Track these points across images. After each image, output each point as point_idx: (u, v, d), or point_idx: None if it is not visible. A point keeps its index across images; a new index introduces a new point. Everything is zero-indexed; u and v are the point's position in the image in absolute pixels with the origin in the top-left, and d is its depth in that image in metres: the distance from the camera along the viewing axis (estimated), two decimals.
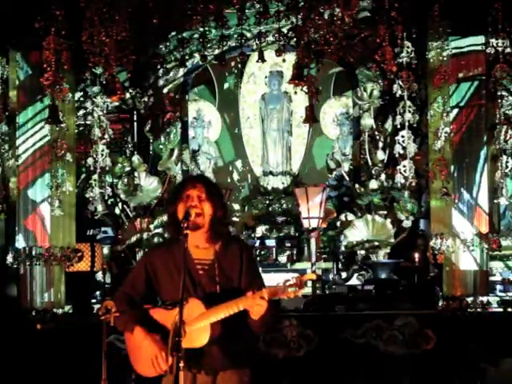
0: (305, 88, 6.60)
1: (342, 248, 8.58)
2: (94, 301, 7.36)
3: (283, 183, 9.20)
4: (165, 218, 8.48)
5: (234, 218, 8.95)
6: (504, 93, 6.98)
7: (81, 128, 8.10)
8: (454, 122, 7.02)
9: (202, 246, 3.35)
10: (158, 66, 8.73)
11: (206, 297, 3.21)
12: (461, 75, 7.04)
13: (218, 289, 3.27)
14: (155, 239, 8.30)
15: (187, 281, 3.24)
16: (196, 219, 3.28)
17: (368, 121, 8.75)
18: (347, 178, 8.97)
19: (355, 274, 8.14)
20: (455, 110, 7.04)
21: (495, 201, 7.17)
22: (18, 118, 7.26)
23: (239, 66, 9.43)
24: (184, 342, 3.06)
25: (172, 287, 3.26)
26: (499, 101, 6.99)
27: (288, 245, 8.83)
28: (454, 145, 7.02)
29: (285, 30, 7.24)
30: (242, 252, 3.38)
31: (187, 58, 8.71)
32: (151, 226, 8.37)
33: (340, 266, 8.32)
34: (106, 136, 7.99)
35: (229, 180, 9.57)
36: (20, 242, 7.08)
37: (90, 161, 7.91)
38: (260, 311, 3.15)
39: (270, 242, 8.78)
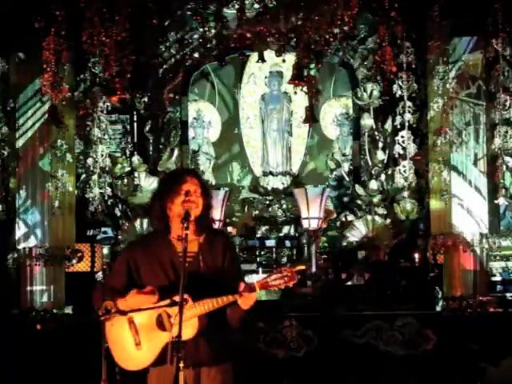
0: (305, 88, 6.61)
1: (342, 248, 8.58)
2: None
3: (283, 183, 9.20)
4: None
5: (234, 219, 8.95)
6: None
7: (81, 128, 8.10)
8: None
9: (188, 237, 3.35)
10: (158, 66, 8.73)
11: (190, 288, 3.18)
12: None
13: (203, 280, 3.29)
14: None
15: (171, 273, 3.30)
16: (191, 211, 3.32)
17: (368, 121, 8.75)
18: (347, 178, 8.97)
19: (355, 274, 8.14)
20: None
21: (495, 201, 7.17)
22: (17, 118, 7.26)
23: (239, 66, 9.43)
24: (170, 336, 3.10)
25: (153, 279, 3.30)
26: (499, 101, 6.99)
27: (288, 245, 8.83)
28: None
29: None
30: (225, 245, 3.43)
31: (187, 57, 8.72)
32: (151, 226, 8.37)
33: (340, 265, 8.32)
34: (106, 136, 7.98)
35: (229, 180, 9.57)
36: (20, 242, 7.08)
37: (89, 161, 7.91)
38: (250, 304, 3.21)
39: (270, 242, 8.79)
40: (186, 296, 3.14)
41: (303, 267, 3.29)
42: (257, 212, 9.06)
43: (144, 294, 3.22)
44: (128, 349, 3.25)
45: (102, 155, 7.89)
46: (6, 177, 7.33)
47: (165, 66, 8.78)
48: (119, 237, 8.42)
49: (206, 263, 3.35)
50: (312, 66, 6.63)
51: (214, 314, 3.21)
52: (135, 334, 3.24)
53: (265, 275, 3.28)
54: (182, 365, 3.02)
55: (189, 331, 3.16)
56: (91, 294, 3.44)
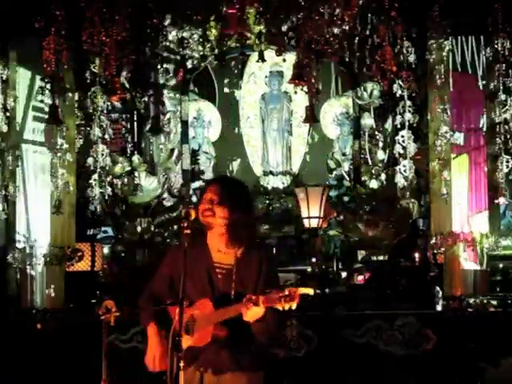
0: (305, 88, 6.61)
1: (342, 248, 8.58)
2: (94, 301, 7.36)
3: (283, 183, 9.19)
4: (164, 217, 8.53)
5: None
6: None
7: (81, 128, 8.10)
8: None
9: (223, 250, 3.36)
10: (158, 66, 8.73)
11: (220, 300, 3.22)
12: None
13: (233, 294, 3.27)
14: (155, 239, 8.31)
15: (206, 283, 3.29)
16: (207, 218, 3.30)
17: (368, 121, 8.74)
18: (347, 178, 8.97)
19: (355, 274, 8.14)
20: None
21: (495, 201, 7.17)
22: (17, 118, 7.26)
23: (239, 65, 9.43)
24: (192, 340, 3.16)
25: (190, 287, 3.24)
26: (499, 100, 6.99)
27: (288, 245, 8.82)
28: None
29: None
30: (261, 261, 3.35)
31: (187, 57, 8.72)
32: (151, 226, 8.38)
33: (340, 265, 8.32)
34: (106, 136, 7.99)
35: None
36: (20, 242, 7.08)
37: (90, 161, 7.91)
38: (253, 316, 3.13)
39: (270, 242, 8.78)
40: (208, 302, 3.19)
41: (310, 291, 3.21)
42: (257, 211, 9.05)
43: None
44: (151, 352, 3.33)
45: (102, 155, 7.90)
46: (6, 176, 7.33)
47: (165, 66, 8.78)
48: (119, 236, 8.43)
49: (239, 277, 3.30)
50: (312, 65, 6.62)
51: (235, 322, 3.18)
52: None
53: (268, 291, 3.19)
54: (182, 364, 3.03)
55: (205, 337, 3.19)
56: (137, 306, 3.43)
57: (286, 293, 3.05)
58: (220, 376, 3.28)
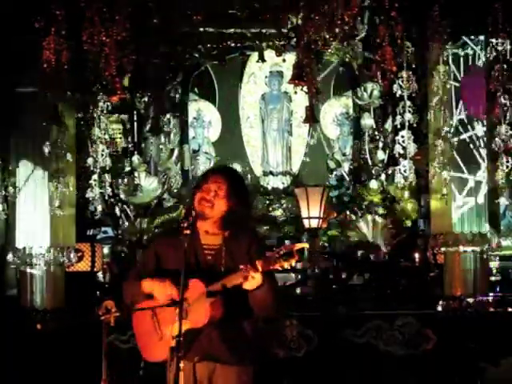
0: (305, 88, 6.60)
1: (342, 248, 8.58)
2: (94, 301, 7.36)
3: (283, 183, 9.20)
4: (164, 218, 8.53)
5: None
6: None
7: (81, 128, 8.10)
8: None
9: (212, 231, 3.36)
10: (158, 66, 8.73)
11: (210, 278, 3.19)
12: None
13: (223, 270, 3.26)
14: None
15: (194, 264, 3.27)
16: (203, 208, 3.30)
17: (368, 121, 8.75)
18: (347, 178, 8.97)
19: (355, 274, 8.14)
20: None
21: (495, 201, 7.17)
22: (17, 117, 7.25)
23: (239, 65, 9.43)
24: (186, 324, 3.09)
25: (177, 270, 3.22)
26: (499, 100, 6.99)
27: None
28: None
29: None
30: (251, 239, 3.37)
31: (187, 57, 8.71)
32: (151, 226, 8.38)
33: (340, 265, 8.32)
34: (106, 136, 7.98)
35: None
36: (20, 242, 7.08)
37: (90, 161, 7.91)
38: (253, 283, 3.12)
39: (270, 242, 8.77)
40: (198, 281, 3.15)
41: (306, 245, 3.23)
42: (257, 212, 9.05)
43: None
44: (151, 341, 3.27)
45: (102, 155, 7.90)
46: (7, 176, 7.33)
47: (165, 66, 8.78)
48: (119, 236, 8.43)
49: (229, 255, 3.30)
50: (312, 65, 6.62)
51: (230, 302, 3.18)
52: (157, 327, 3.26)
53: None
54: (182, 364, 3.02)
55: (202, 317, 3.15)
56: (121, 287, 3.43)
57: (284, 250, 3.06)
58: (211, 367, 3.25)
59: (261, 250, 3.30)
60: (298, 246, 3.13)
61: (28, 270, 6.98)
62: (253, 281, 3.11)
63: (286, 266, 3.08)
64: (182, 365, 3.02)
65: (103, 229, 8.52)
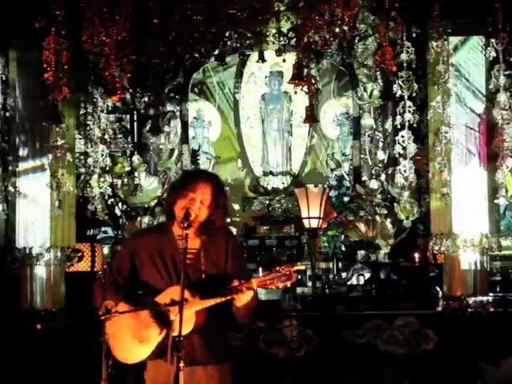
0: (305, 88, 6.60)
1: (342, 248, 8.59)
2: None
3: (283, 183, 9.21)
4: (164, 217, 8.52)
5: (234, 218, 8.95)
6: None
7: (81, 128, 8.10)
8: None
9: (189, 236, 3.33)
10: (158, 66, 8.73)
11: (191, 285, 3.21)
12: None
13: (204, 276, 3.30)
14: None
15: (171, 270, 3.31)
16: (188, 218, 3.30)
17: (368, 121, 8.75)
18: (347, 178, 8.98)
19: (355, 274, 8.15)
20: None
21: (495, 201, 7.17)
22: (17, 117, 7.25)
23: (239, 65, 9.44)
24: (173, 331, 3.11)
25: (154, 274, 3.33)
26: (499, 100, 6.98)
27: (288, 245, 8.83)
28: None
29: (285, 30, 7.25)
30: (227, 240, 3.42)
31: (188, 57, 8.71)
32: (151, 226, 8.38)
33: (340, 265, 8.33)
34: (106, 136, 7.98)
35: (229, 180, 9.56)
36: (20, 242, 7.07)
37: (90, 161, 7.91)
38: (244, 301, 3.17)
39: (270, 242, 8.79)
40: (185, 296, 3.14)
41: (302, 267, 3.27)
42: (257, 212, 9.06)
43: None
44: (126, 343, 3.29)
45: (102, 155, 7.90)
46: (7, 176, 7.33)
47: (165, 66, 8.77)
48: (119, 236, 8.44)
49: (207, 259, 3.34)
50: (312, 65, 6.62)
51: (212, 311, 3.20)
52: (137, 330, 3.26)
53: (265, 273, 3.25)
54: (182, 364, 3.03)
55: (186, 326, 3.14)
56: (92, 290, 3.48)
57: (282, 272, 3.11)
58: (193, 369, 3.27)
59: (238, 251, 3.44)
60: (296, 267, 3.17)
61: (28, 270, 6.98)
62: (246, 298, 3.17)
63: (281, 286, 3.14)
64: (182, 365, 3.02)
65: (103, 229, 8.53)
